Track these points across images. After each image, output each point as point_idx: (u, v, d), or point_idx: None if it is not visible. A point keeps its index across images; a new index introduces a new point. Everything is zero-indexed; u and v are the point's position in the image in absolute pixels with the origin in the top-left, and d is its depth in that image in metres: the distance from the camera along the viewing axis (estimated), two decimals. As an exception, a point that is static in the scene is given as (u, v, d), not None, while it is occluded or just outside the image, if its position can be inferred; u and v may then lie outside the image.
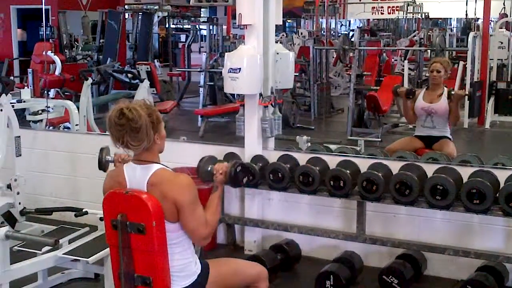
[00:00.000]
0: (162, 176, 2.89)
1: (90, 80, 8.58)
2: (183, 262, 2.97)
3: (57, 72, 11.35)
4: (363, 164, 4.88)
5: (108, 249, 3.11)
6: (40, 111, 7.29)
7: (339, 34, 20.76)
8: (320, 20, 22.81)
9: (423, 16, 21.63)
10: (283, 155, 5.21)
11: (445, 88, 5.94)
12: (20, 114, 6.88)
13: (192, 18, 21.51)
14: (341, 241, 5.03)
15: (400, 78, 11.88)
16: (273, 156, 5.23)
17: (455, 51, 15.52)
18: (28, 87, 8.96)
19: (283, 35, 18.07)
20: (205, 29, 17.19)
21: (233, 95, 10.36)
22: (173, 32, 22.35)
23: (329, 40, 17.49)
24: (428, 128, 5.98)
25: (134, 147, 2.87)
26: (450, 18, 25.39)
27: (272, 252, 5.00)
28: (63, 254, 4.19)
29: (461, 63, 11.50)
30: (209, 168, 3.24)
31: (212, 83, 12.73)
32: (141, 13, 15.11)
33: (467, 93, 6.71)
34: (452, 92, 5.90)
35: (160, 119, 2.95)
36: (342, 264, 4.67)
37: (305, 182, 4.84)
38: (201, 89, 12.46)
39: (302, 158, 5.12)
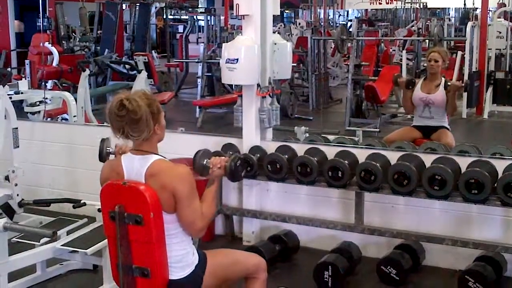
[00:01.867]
0: (160, 166, 2.88)
1: (87, 71, 8.56)
2: (180, 252, 2.96)
3: (54, 64, 11.35)
4: (361, 154, 4.88)
5: (106, 240, 3.11)
6: (37, 103, 7.28)
7: (337, 24, 20.75)
8: (318, 10, 22.77)
9: (421, 6, 21.61)
10: (281, 145, 5.20)
11: (443, 79, 5.95)
12: (18, 105, 6.87)
13: (189, 9, 21.43)
14: (339, 231, 5.03)
15: (398, 68, 11.88)
16: (271, 146, 5.23)
17: (453, 41, 15.50)
18: (25, 79, 8.93)
19: (281, 25, 18.01)
20: (202, 20, 17.16)
21: (231, 85, 10.35)
22: (171, 22, 22.32)
23: (327, 31, 17.44)
24: (426, 119, 5.98)
25: (134, 138, 2.87)
26: (448, 8, 25.38)
27: (270, 243, 5.00)
28: (61, 245, 4.20)
29: (459, 53, 11.50)
30: (204, 162, 3.21)
31: (210, 74, 12.71)
32: (138, 4, 15.06)
33: (463, 84, 6.69)
34: (449, 83, 5.90)
35: (160, 109, 2.96)
36: (341, 255, 4.66)
37: (303, 172, 4.84)
38: (199, 80, 12.44)
39: (300, 148, 5.12)
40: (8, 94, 5.72)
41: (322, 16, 21.89)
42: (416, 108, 6.06)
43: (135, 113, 2.82)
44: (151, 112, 2.87)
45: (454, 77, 10.41)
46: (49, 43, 11.64)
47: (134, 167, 2.92)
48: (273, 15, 5.37)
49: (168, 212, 2.89)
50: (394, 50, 15.54)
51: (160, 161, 2.91)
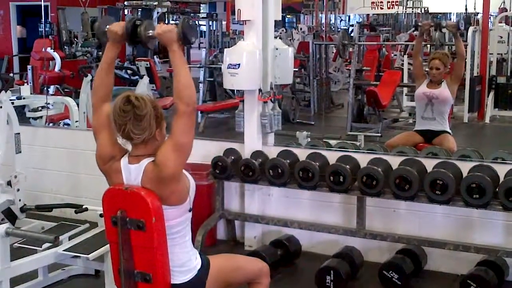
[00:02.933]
0: (148, 171, 2.86)
1: (89, 77, 8.56)
2: (183, 256, 2.96)
3: (56, 69, 11.34)
4: (363, 159, 4.88)
5: (108, 245, 3.11)
6: (40, 108, 7.29)
7: (339, 29, 20.76)
8: (320, 15, 22.80)
9: (423, 11, 21.62)
10: (283, 150, 5.21)
11: (445, 80, 5.98)
12: (20, 111, 6.88)
13: (191, 14, 21.46)
14: (341, 236, 5.03)
15: (400, 73, 11.88)
16: (273, 151, 5.23)
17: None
18: (27, 84, 8.94)
19: (282, 30, 18.05)
20: (204, 25, 17.16)
21: (232, 91, 10.37)
22: (173, 28, 22.26)
23: (329, 35, 17.47)
24: (428, 120, 5.97)
25: (135, 136, 2.84)
26: (450, 13, 25.36)
27: (272, 248, 5.01)
28: (63, 250, 4.20)
29: (461, 57, 11.49)
30: (150, 34, 3.05)
31: (211, 79, 12.71)
32: (140, 9, 15.09)
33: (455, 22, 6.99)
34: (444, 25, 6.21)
35: (164, 116, 2.95)
36: (342, 260, 4.67)
37: (305, 177, 4.84)
38: (201, 85, 12.44)
39: (302, 153, 5.12)
40: (10, 100, 5.73)
41: (323, 21, 21.90)
42: (418, 106, 6.08)
43: (140, 109, 2.82)
44: (156, 114, 2.87)
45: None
46: (51, 49, 11.64)
47: (131, 177, 2.91)
48: (275, 20, 5.38)
49: (171, 204, 2.88)
50: (395, 55, 15.54)
51: (149, 165, 2.88)
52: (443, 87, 5.93)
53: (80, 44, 15.36)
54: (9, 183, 5.23)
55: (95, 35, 3.14)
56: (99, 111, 3.14)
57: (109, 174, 3.00)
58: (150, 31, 3.09)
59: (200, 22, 19.22)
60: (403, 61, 13.07)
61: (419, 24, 6.54)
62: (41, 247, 4.33)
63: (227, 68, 5.11)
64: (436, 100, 5.91)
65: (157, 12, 16.33)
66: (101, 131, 3.06)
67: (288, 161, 4.99)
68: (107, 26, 3.14)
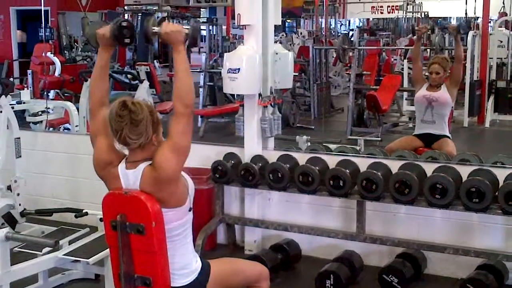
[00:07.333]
0: (147, 175, 2.86)
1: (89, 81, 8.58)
2: (183, 259, 2.97)
3: (56, 73, 11.36)
4: (363, 163, 4.89)
5: (108, 249, 3.11)
6: (40, 113, 7.30)
7: (339, 34, 20.79)
8: (320, 19, 22.81)
9: (423, 15, 21.65)
10: (283, 155, 5.21)
11: (445, 83, 5.99)
12: (20, 115, 6.89)
13: (191, 19, 21.49)
14: (341, 240, 5.04)
15: (400, 77, 11.90)
16: (272, 156, 5.24)
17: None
18: (27, 89, 8.94)
19: (282, 35, 18.06)
20: (204, 30, 17.20)
21: (232, 95, 10.37)
22: (173, 32, 22.26)
23: (329, 40, 17.49)
24: (427, 124, 5.98)
25: (132, 141, 2.84)
26: (450, 17, 25.40)
27: (272, 252, 5.01)
28: (63, 255, 4.20)
29: (461, 62, 11.50)
30: (155, 30, 3.09)
31: (211, 84, 12.72)
32: (140, 14, 15.10)
33: (455, 25, 6.95)
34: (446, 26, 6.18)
35: (160, 122, 2.94)
36: (342, 264, 4.67)
37: (304, 182, 4.85)
38: (201, 90, 12.46)
39: (301, 157, 5.12)
40: (11, 104, 5.74)
41: (323, 25, 21.93)
42: (418, 109, 6.09)
43: (137, 114, 2.82)
44: (152, 119, 2.87)
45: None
46: (51, 53, 11.64)
47: (130, 182, 2.91)
48: (275, 25, 5.39)
49: (171, 207, 2.88)
50: (395, 60, 15.55)
51: (147, 168, 2.88)
52: (442, 90, 5.95)
53: (80, 49, 15.37)
54: (9, 188, 5.24)
55: (87, 40, 3.11)
56: (96, 116, 3.12)
57: (107, 179, 3.00)
58: (156, 28, 3.10)
59: (201, 27, 19.27)
60: (403, 65, 13.09)
61: (416, 28, 6.51)
62: (41, 252, 4.33)
63: (227, 72, 5.12)
64: (436, 103, 5.92)
65: (158, 17, 16.33)
66: (97, 136, 3.06)
67: (288, 165, 5.00)
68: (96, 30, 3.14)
